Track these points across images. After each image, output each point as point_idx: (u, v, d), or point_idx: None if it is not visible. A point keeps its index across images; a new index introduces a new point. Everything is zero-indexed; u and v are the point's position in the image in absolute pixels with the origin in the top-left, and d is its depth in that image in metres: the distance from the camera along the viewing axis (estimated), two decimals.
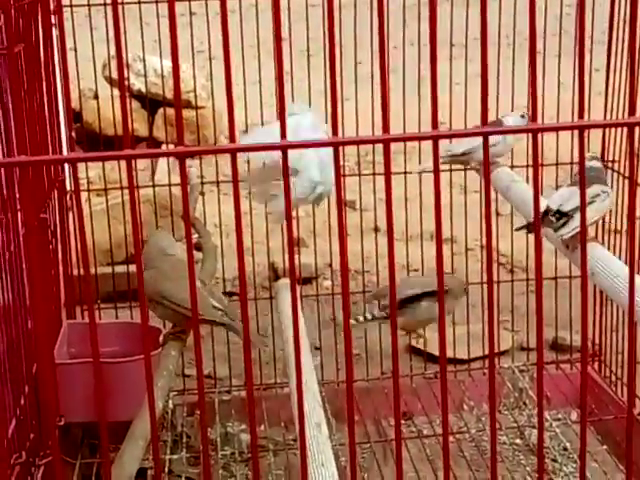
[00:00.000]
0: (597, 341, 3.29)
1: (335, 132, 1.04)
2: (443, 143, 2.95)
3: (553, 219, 2.36)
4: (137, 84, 5.19)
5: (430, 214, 3.30)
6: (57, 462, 1.13)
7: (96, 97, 3.52)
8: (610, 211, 2.93)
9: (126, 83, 4.87)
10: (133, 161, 1.06)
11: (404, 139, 1.12)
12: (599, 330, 3.26)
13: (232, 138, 1.07)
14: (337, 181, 1.07)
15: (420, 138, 1.13)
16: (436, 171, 1.08)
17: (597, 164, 2.52)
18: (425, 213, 3.07)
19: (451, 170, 3.21)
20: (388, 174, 1.05)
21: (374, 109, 3.04)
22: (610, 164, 3.05)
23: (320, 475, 1.72)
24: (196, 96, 4.77)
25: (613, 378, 3.18)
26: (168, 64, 4.01)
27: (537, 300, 1.10)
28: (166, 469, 2.87)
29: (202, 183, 3.27)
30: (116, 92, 4.83)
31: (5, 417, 2.11)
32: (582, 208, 1.19)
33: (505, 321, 3.46)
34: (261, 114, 3.07)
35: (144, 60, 3.88)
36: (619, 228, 3.02)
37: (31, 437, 2.29)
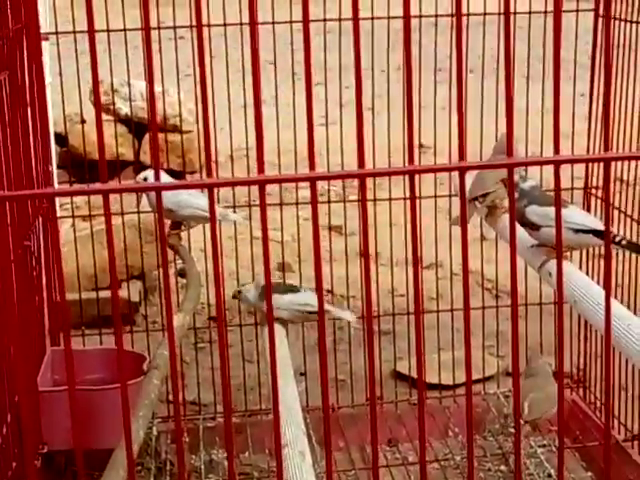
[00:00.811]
0: (582, 367, 3.30)
1: (311, 167, 1.05)
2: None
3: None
4: (124, 108, 5.19)
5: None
6: None
7: (82, 122, 3.52)
8: None
9: (112, 107, 4.88)
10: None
11: (380, 174, 1.12)
12: (584, 357, 3.26)
13: (208, 172, 1.06)
14: (313, 213, 1.06)
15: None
16: (413, 205, 1.08)
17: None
18: (411, 239, 3.07)
19: (436, 196, 3.22)
20: (364, 204, 1.05)
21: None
22: (594, 191, 3.07)
23: None
24: (182, 120, 4.78)
25: (598, 404, 3.18)
26: (157, 89, 4.03)
27: (512, 318, 1.10)
28: None
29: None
30: (104, 117, 4.83)
31: None
32: (557, 229, 1.20)
33: (490, 346, 3.46)
34: (246, 140, 3.07)
35: (129, 85, 3.89)
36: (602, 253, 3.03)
37: (13, 466, 2.27)
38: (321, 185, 3.36)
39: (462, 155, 1.07)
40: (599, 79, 2.98)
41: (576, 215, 2.52)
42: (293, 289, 2.87)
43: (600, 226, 2.44)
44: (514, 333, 1.07)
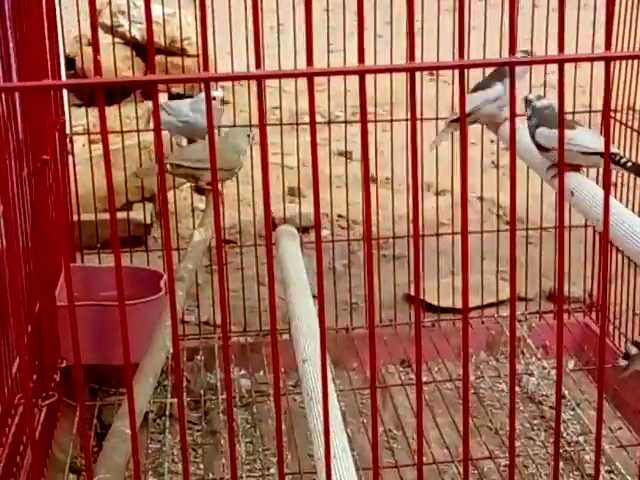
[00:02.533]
0: (595, 292, 3.31)
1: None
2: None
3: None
4: (133, 31, 5.14)
5: (429, 165, 3.31)
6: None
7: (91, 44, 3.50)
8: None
9: (122, 30, 4.83)
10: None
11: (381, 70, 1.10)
12: (597, 281, 3.28)
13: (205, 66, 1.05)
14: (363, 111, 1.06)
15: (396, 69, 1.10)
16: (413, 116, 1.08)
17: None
18: (426, 164, 3.07)
19: (438, 118, 3.18)
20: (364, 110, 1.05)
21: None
22: (613, 114, 3.05)
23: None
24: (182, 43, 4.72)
25: (611, 328, 3.20)
26: (167, 11, 3.98)
27: (511, 242, 1.10)
28: (167, 413, 2.90)
29: None
30: (115, 39, 4.78)
31: (9, 356, 2.13)
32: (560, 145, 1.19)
33: (503, 271, 3.47)
34: (247, 63, 3.05)
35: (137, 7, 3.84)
36: (615, 181, 3.03)
37: (34, 378, 2.31)
38: (327, 113, 3.34)
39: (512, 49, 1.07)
40: None
41: (584, 137, 2.50)
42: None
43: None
44: (512, 259, 1.08)
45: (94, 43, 1.01)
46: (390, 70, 1.07)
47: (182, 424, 1.05)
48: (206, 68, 1.02)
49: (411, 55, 1.01)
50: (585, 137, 2.51)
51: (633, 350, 2.14)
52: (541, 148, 2.52)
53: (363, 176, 1.03)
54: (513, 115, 1.16)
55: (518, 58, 1.11)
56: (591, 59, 1.23)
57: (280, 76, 1.07)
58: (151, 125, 3.18)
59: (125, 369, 0.99)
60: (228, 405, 1.07)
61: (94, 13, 1.00)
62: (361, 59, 1.02)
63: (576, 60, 1.18)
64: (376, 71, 1.04)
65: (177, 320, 1.03)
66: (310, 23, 1.00)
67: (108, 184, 1.02)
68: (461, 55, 1.04)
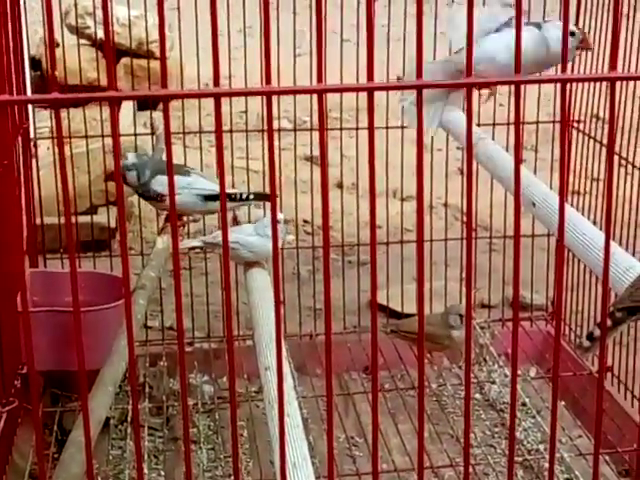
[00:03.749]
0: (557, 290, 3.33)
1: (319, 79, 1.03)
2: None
3: None
4: (100, 33, 5.11)
5: (396, 171, 3.31)
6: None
7: (58, 45, 3.46)
8: (571, 171, 2.98)
9: (89, 32, 4.80)
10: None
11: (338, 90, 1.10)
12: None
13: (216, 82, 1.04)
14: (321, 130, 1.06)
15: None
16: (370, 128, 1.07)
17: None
18: (392, 170, 3.08)
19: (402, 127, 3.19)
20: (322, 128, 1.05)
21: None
22: (576, 124, 3.07)
23: (286, 424, 1.74)
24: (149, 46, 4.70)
25: (572, 336, 3.22)
26: (133, 13, 3.96)
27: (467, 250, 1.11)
28: (129, 419, 2.88)
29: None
30: (82, 41, 4.74)
31: None
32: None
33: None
34: (229, 67, 3.05)
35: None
36: (578, 189, 3.06)
37: None
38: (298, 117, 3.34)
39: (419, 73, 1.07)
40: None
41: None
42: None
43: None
44: (468, 268, 1.08)
45: (52, 60, 1.00)
46: (349, 89, 1.07)
47: (137, 432, 1.04)
48: (217, 84, 1.02)
49: (369, 75, 1.01)
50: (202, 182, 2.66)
51: (597, 332, 2.16)
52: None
53: (322, 187, 1.03)
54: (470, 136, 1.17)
55: (476, 79, 1.07)
56: (595, 79, 1.23)
57: (291, 92, 1.06)
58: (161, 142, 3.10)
59: (80, 377, 0.98)
60: (184, 412, 1.06)
61: (52, 32, 0.99)
62: (320, 78, 1.02)
63: (580, 80, 1.19)
64: (333, 90, 1.04)
65: (133, 330, 1.02)
66: (321, 41, 1.00)
67: (64, 189, 1.01)
68: (419, 76, 1.03)
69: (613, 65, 1.05)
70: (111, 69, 1.03)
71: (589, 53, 2.70)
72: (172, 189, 1.04)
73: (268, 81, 1.00)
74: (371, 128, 1.02)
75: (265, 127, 1.04)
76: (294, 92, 1.11)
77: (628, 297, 1.79)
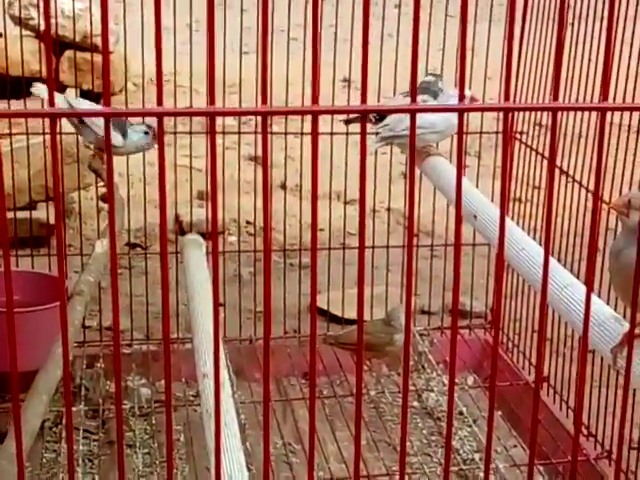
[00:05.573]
0: (495, 308, 3.36)
1: (264, 100, 1.02)
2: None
3: (372, 118, 2.67)
4: (43, 25, 5.02)
5: (339, 175, 3.30)
6: None
7: (0, 36, 3.40)
8: (513, 178, 3.01)
9: (33, 23, 4.72)
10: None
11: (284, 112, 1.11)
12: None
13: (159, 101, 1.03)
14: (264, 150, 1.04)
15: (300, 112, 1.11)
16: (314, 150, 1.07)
17: (431, 78, 2.80)
18: (336, 173, 3.07)
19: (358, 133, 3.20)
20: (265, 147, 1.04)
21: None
22: (518, 135, 3.10)
23: (222, 434, 1.72)
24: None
25: (510, 345, 3.24)
26: (78, 5, 3.90)
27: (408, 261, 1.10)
28: (63, 421, 2.83)
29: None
30: (25, 32, 4.66)
31: None
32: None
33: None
34: (174, 64, 3.01)
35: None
36: (519, 196, 3.08)
37: None
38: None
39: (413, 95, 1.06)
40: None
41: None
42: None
43: None
44: (409, 274, 1.08)
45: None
46: (294, 112, 1.08)
47: (70, 435, 1.01)
48: (212, 102, 1.00)
49: (314, 98, 1.01)
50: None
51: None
52: None
53: (263, 190, 1.02)
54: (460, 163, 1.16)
55: (467, 105, 1.06)
56: (586, 109, 1.26)
57: (284, 113, 1.06)
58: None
59: (12, 384, 0.95)
60: (118, 415, 1.04)
61: None
62: (264, 99, 1.01)
63: (571, 109, 1.22)
64: (276, 113, 1.03)
65: (68, 336, 0.99)
66: (316, 59, 0.99)
67: None
68: (364, 100, 1.03)
69: (605, 96, 1.06)
70: (213, 86, 1.00)
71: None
72: (111, 194, 1.01)
73: (264, 101, 1.00)
74: (315, 151, 1.02)
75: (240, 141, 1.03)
76: (287, 113, 1.11)
77: None
